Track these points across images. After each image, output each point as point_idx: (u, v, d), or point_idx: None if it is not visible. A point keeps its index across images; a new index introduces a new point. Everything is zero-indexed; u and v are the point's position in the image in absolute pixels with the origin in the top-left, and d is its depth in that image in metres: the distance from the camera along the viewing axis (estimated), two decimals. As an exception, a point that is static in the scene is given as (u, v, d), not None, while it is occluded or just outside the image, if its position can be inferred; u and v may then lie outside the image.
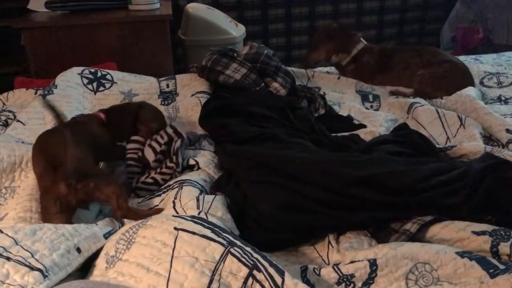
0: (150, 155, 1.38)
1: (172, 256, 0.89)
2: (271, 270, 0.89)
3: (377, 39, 3.89)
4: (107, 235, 1.03)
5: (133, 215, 1.12)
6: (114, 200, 1.12)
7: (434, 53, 2.11)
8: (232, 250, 0.90)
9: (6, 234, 0.92)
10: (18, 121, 1.54)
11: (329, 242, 1.14)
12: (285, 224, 1.17)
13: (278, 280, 0.87)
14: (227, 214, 1.15)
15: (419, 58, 2.09)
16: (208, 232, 0.93)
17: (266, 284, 0.87)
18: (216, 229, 0.96)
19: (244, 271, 0.88)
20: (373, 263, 1.01)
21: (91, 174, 1.14)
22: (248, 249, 0.92)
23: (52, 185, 1.10)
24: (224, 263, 0.88)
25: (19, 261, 0.88)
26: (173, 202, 1.18)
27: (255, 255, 0.91)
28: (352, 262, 1.03)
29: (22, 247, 0.91)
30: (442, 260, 0.99)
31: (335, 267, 1.02)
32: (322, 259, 1.13)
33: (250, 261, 0.89)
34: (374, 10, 3.84)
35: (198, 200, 1.16)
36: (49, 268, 0.89)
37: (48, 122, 1.52)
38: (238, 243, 0.93)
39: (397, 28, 3.96)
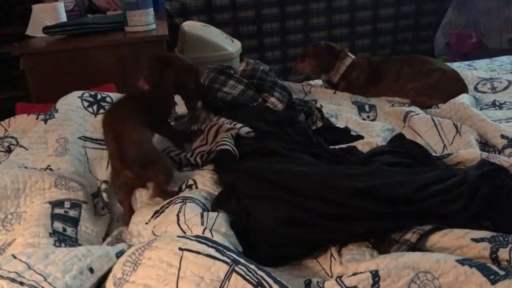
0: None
1: (178, 277, 0.91)
2: (276, 287, 0.91)
3: (372, 48, 3.93)
4: (119, 254, 1.05)
5: (164, 195, 1.32)
6: (158, 183, 1.32)
7: (423, 62, 2.14)
8: (236, 268, 0.92)
9: (20, 259, 0.95)
10: (21, 146, 1.56)
11: (331, 254, 1.16)
12: (287, 238, 1.19)
13: None
14: (230, 230, 1.17)
15: (409, 68, 2.12)
16: (212, 251, 0.95)
17: None
18: (220, 248, 0.97)
19: None
20: (375, 274, 1.02)
21: (150, 161, 1.31)
22: (252, 266, 0.94)
23: (120, 170, 1.29)
24: (229, 281, 0.90)
25: (32, 285, 0.90)
26: (177, 216, 1.19)
27: (260, 272, 0.93)
28: (354, 274, 1.05)
29: (35, 271, 0.93)
30: (443, 269, 1.00)
31: (338, 279, 1.04)
32: (325, 272, 1.15)
33: (255, 279, 0.91)
34: (367, 20, 3.88)
35: (202, 216, 1.18)
36: None
37: (51, 146, 1.54)
38: (242, 261, 0.95)
39: (391, 36, 4.00)
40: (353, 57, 2.28)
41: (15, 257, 0.96)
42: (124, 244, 1.17)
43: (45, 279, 0.92)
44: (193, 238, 0.99)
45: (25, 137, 1.62)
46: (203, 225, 1.15)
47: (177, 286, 0.89)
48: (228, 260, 0.93)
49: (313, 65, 2.32)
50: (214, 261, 0.92)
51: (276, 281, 0.92)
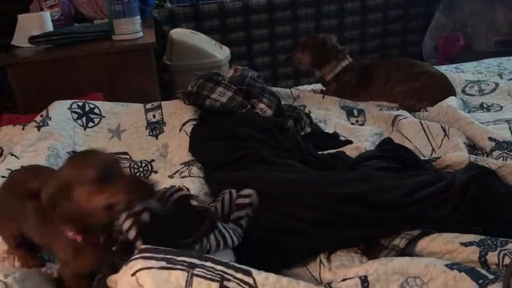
0: None
1: None
2: (240, 275, 0.91)
3: (361, 52, 3.94)
4: None
5: None
6: None
7: (411, 65, 2.15)
8: (194, 272, 0.91)
9: None
10: (12, 155, 1.54)
11: (320, 261, 1.15)
12: (277, 246, 1.18)
13: (250, 280, 0.90)
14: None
15: (397, 72, 2.13)
16: (164, 264, 0.92)
17: None
18: (169, 256, 0.94)
19: (215, 286, 0.89)
20: (364, 280, 1.02)
21: None
22: (209, 263, 0.93)
23: None
24: (191, 286, 0.89)
25: None
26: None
27: (219, 267, 0.92)
28: (343, 280, 1.04)
29: None
30: (432, 274, 1.00)
31: (327, 286, 1.03)
32: (315, 278, 1.14)
33: (217, 275, 0.90)
34: (356, 25, 3.89)
35: None
36: None
37: (42, 153, 1.52)
38: (197, 262, 0.93)
39: (380, 40, 4.02)
40: (350, 60, 2.28)
41: None
42: None
43: None
44: (137, 256, 0.95)
45: (17, 145, 1.60)
46: None
47: None
48: (183, 267, 0.92)
49: (311, 59, 2.31)
50: (170, 272, 0.91)
51: (237, 270, 0.92)
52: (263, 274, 0.93)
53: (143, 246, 0.99)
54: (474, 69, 2.51)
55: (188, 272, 0.90)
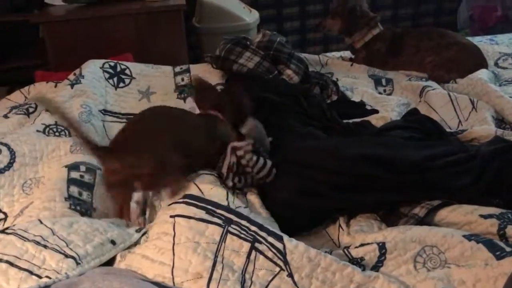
0: None
1: (174, 244, 0.94)
2: (271, 239, 0.94)
3: (393, 20, 3.85)
4: (138, 230, 1.09)
5: None
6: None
7: (443, 35, 2.11)
8: (230, 229, 0.95)
9: (45, 225, 1.01)
10: (46, 111, 1.59)
11: (339, 225, 1.18)
12: (300, 209, 1.21)
13: (280, 245, 0.94)
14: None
15: (428, 41, 2.09)
16: (203, 214, 0.97)
17: (269, 254, 0.93)
18: (209, 207, 0.99)
19: (246, 246, 0.93)
20: (382, 247, 1.04)
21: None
22: (244, 222, 0.97)
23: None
24: (225, 242, 0.93)
25: (55, 249, 0.96)
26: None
27: (253, 228, 0.96)
28: (362, 245, 1.07)
29: (58, 237, 0.99)
30: (449, 243, 1.01)
31: (345, 250, 1.06)
32: (333, 242, 1.17)
33: (250, 236, 0.94)
34: (389, -10, 3.80)
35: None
36: (82, 256, 0.97)
37: (75, 110, 1.56)
38: (234, 218, 0.97)
39: (413, 8, 3.92)
40: (382, 28, 2.24)
41: (41, 222, 1.02)
42: None
43: (67, 245, 0.98)
44: (181, 201, 1.01)
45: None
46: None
47: (173, 253, 0.93)
48: (220, 222, 0.96)
49: (341, 26, 2.28)
50: (207, 225, 0.95)
51: (270, 233, 0.96)
52: (294, 242, 0.95)
53: (188, 193, 1.05)
54: (509, 41, 2.43)
55: (224, 227, 0.95)
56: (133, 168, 1.10)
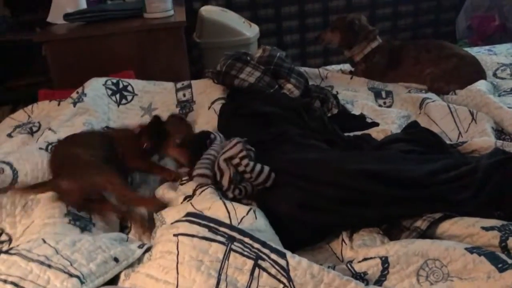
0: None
1: (177, 263, 0.95)
2: (274, 256, 0.95)
3: (392, 31, 3.88)
4: (141, 246, 1.10)
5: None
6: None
7: (442, 47, 2.13)
8: (233, 247, 0.96)
9: (49, 244, 1.02)
10: (50, 129, 1.61)
11: (342, 240, 1.18)
12: (301, 223, 1.21)
13: (283, 262, 0.94)
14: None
15: (427, 54, 2.11)
16: (206, 232, 0.98)
17: (273, 271, 0.93)
18: (212, 225, 1.00)
19: (249, 263, 0.94)
20: (385, 261, 1.05)
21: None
22: (247, 239, 0.97)
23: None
24: (228, 260, 0.94)
25: (59, 268, 0.97)
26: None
27: (256, 245, 0.97)
28: (365, 259, 1.07)
29: (62, 256, 1.00)
30: (452, 256, 1.02)
31: (348, 265, 1.06)
32: (337, 256, 1.18)
33: (253, 253, 0.95)
34: (388, 2, 3.83)
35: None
36: (86, 275, 0.97)
37: (78, 128, 1.59)
38: (237, 236, 0.98)
39: (412, 18, 3.95)
40: (380, 41, 2.27)
41: (44, 242, 1.03)
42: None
43: (71, 264, 0.98)
44: (184, 219, 1.02)
45: (55, 120, 1.67)
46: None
47: (177, 272, 0.94)
48: (223, 239, 0.97)
49: (340, 39, 2.31)
50: (210, 243, 0.96)
51: (272, 250, 0.96)
52: (297, 258, 0.96)
53: (191, 210, 1.07)
54: (507, 52, 2.45)
55: (227, 245, 0.95)
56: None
